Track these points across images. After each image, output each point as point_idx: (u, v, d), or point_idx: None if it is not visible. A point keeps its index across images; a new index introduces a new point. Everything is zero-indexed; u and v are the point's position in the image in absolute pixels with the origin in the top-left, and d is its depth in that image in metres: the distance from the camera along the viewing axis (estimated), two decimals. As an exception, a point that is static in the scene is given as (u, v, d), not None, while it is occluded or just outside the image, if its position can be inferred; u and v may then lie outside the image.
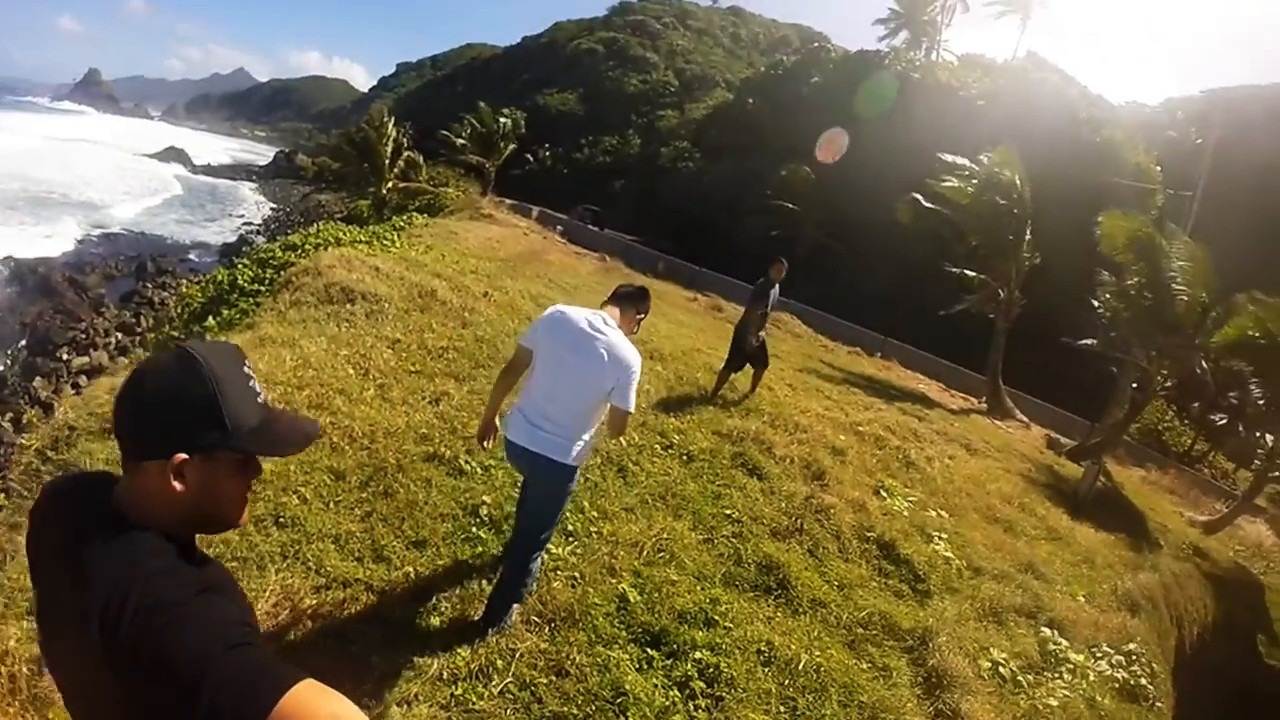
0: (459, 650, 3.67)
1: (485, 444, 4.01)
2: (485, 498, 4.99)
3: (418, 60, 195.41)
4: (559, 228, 32.93)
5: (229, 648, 1.06)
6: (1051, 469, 13.64)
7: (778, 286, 9.52)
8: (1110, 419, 21.26)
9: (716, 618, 4.44)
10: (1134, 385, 19.08)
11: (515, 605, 3.96)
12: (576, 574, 4.51)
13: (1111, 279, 17.53)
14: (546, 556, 4.44)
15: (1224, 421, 31.44)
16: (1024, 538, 8.63)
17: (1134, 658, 6.48)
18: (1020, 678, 5.35)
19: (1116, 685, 6.03)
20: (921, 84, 44.66)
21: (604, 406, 3.59)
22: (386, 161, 32.15)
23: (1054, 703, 5.21)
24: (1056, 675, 5.66)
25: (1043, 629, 6.22)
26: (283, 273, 10.35)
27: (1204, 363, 16.88)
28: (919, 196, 21.35)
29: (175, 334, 10.93)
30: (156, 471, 1.23)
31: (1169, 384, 17.74)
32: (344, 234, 15.06)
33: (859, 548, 6.28)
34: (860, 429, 9.95)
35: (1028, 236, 19.14)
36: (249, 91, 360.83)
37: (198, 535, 1.34)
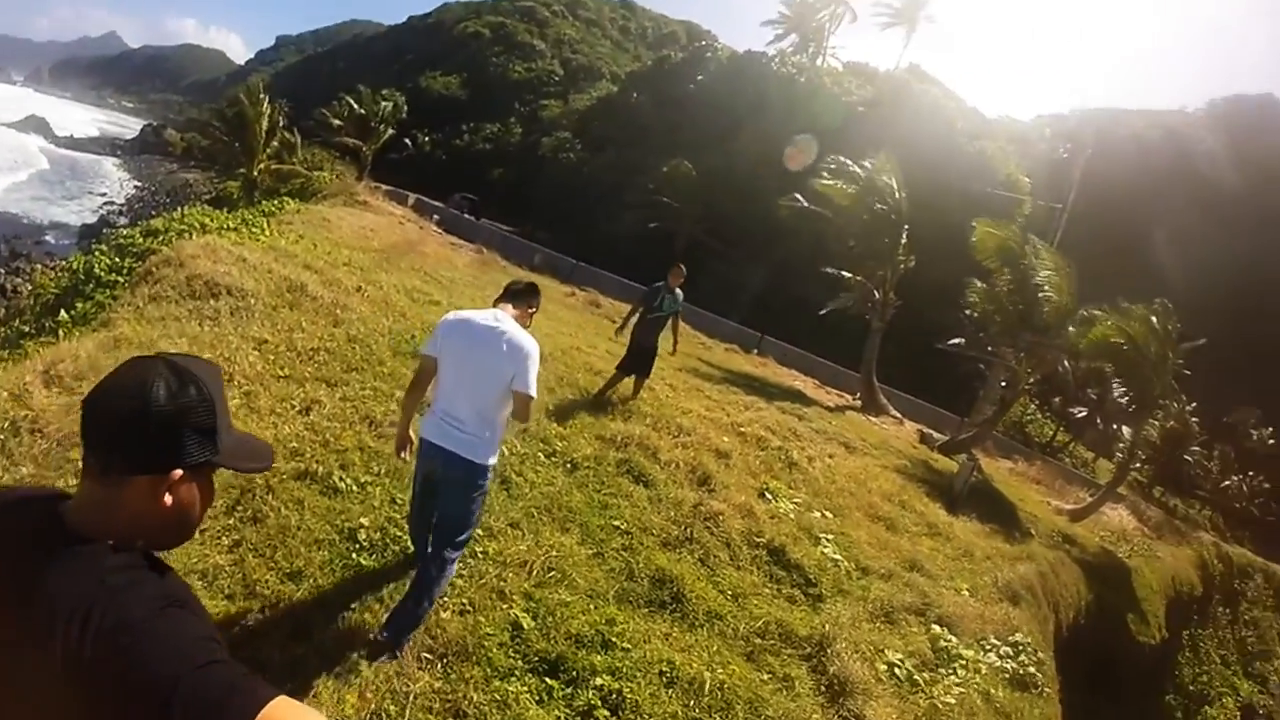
0: (346, 697, 3.34)
1: (402, 455, 4.06)
2: (363, 519, 4.61)
3: (299, 34, 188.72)
4: (435, 217, 31.65)
5: (198, 666, 1.05)
6: (926, 464, 14.11)
7: (678, 293, 9.35)
8: (979, 415, 22.39)
9: (614, 639, 4.27)
10: (1002, 383, 20.15)
11: (412, 630, 3.79)
12: (465, 601, 4.22)
13: (982, 284, 18.37)
14: None
15: (1083, 415, 33.99)
16: (906, 534, 8.85)
17: (1020, 648, 6.74)
18: (917, 677, 5.45)
19: (1007, 676, 6.24)
20: (805, 87, 45.75)
21: (509, 398, 3.73)
22: (260, 141, 30.36)
23: (951, 700, 5.33)
24: (951, 671, 5.80)
25: (933, 626, 6.37)
26: (143, 262, 9.60)
27: (1066, 361, 17.90)
28: (800, 197, 21.77)
29: (26, 328, 9.98)
30: (145, 486, 1.21)
31: (1034, 381, 18.71)
32: (210, 219, 14.11)
33: (750, 554, 6.26)
34: (742, 430, 10.01)
35: (904, 240, 19.77)
36: (119, 58, 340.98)
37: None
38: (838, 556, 6.98)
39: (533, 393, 3.69)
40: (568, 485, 6.19)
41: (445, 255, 19.92)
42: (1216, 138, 74.42)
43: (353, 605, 3.96)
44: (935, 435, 19.42)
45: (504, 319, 3.77)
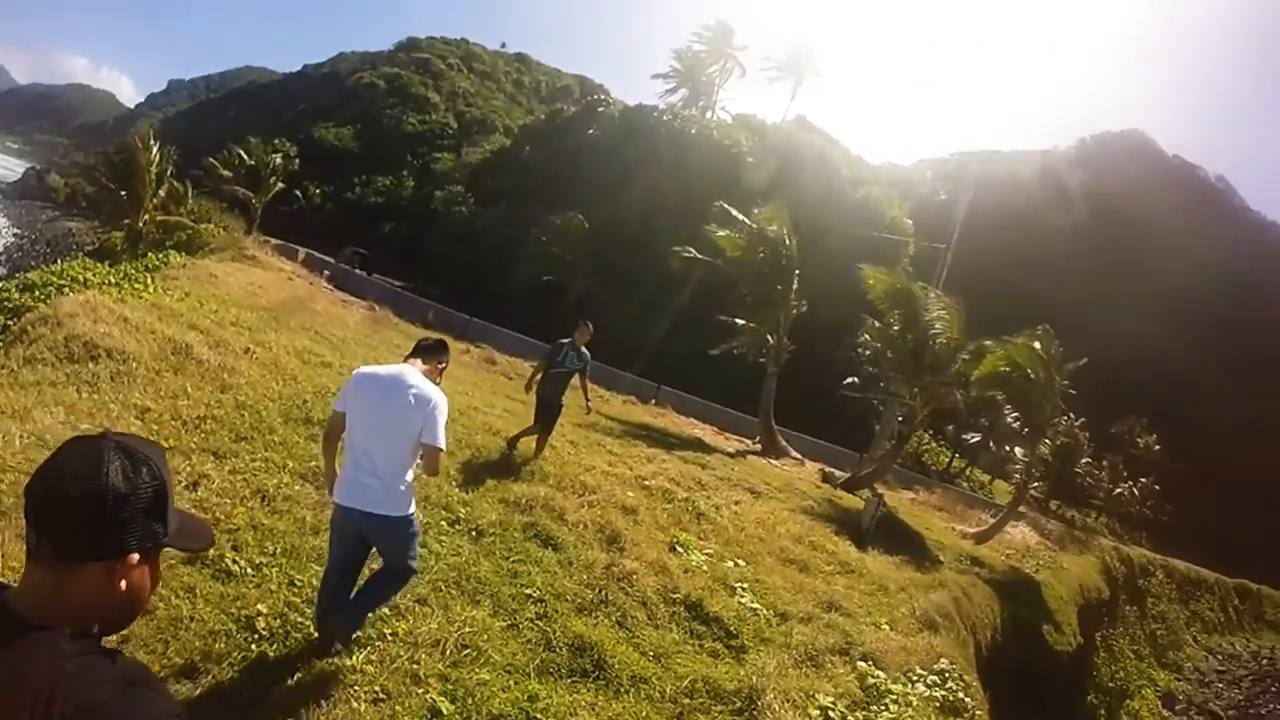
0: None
1: (333, 496, 4.02)
2: (260, 605, 4.29)
3: (191, 79, 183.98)
4: (326, 272, 30.57)
5: None
6: (832, 503, 14.29)
7: (584, 351, 9.35)
8: (878, 449, 23.01)
9: (538, 715, 4.11)
10: (899, 418, 20.75)
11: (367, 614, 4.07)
12: (379, 689, 3.96)
13: (877, 324, 18.99)
14: (343, 673, 3.97)
15: (977, 440, 35.52)
16: (820, 575, 8.89)
17: (946, 675, 6.81)
18: (850, 718, 5.43)
19: (938, 704, 6.28)
20: (696, 140, 46.75)
21: (418, 450, 3.86)
22: (149, 190, 28.78)
23: (889, 735, 5.28)
24: (883, 708, 5.79)
25: (859, 664, 6.37)
26: (18, 320, 9.06)
27: (957, 393, 18.60)
28: (691, 249, 22.07)
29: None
30: (100, 572, 1.18)
31: (928, 414, 19.38)
32: (91, 274, 13.47)
33: (667, 611, 6.16)
34: (647, 483, 9.95)
35: (795, 286, 20.27)
36: (6, 95, 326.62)
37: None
38: (756, 605, 6.95)
39: (441, 445, 3.81)
40: (474, 554, 5.95)
41: (336, 313, 19.28)
42: (1087, 171, 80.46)
43: (255, 702, 3.66)
44: (837, 474, 19.83)
45: (412, 373, 3.88)
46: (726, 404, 28.18)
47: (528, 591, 5.60)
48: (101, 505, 1.16)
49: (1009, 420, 18.85)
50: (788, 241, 20.05)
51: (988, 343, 17.52)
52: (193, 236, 27.89)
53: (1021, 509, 21.69)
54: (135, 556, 1.19)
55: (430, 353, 4.19)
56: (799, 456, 21.11)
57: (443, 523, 6.34)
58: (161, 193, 30.25)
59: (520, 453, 9.05)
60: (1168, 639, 26.65)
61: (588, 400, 9.89)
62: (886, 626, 7.75)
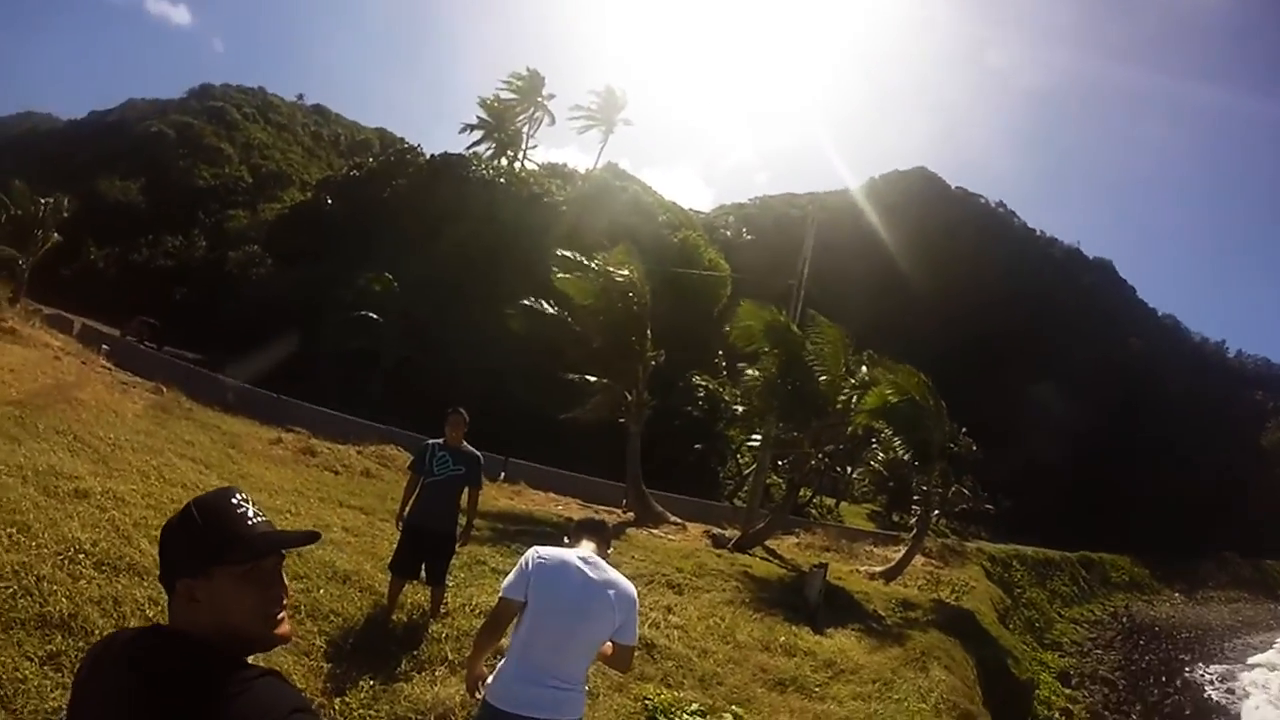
0: None
1: (475, 695, 3.49)
2: None
3: None
4: (105, 347, 25.41)
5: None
6: (749, 575, 12.55)
7: (470, 450, 6.50)
8: (754, 500, 21.63)
9: None
10: (782, 464, 19.41)
11: None
12: None
13: (752, 370, 17.77)
14: None
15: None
16: (824, 693, 7.38)
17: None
18: None
19: None
20: (506, 190, 45.01)
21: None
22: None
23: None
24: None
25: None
26: None
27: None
28: (533, 302, 19.10)
29: None
30: (186, 586, 1.35)
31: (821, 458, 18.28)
32: None
33: None
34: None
35: (649, 336, 18.32)
36: None
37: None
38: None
39: (635, 641, 3.44)
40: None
41: (111, 402, 14.85)
42: (876, 209, 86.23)
43: None
44: (725, 534, 18.03)
45: (600, 564, 3.39)
46: (577, 469, 25.80)
47: None
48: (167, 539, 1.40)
49: (902, 454, 17.88)
50: (640, 288, 18.08)
51: (875, 371, 16.64)
52: (-56, 301, 22.51)
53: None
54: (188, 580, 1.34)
55: (599, 534, 3.63)
56: (679, 521, 18.99)
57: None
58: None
59: (399, 618, 6.33)
60: (1041, 621, 28.08)
61: (470, 524, 6.77)
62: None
